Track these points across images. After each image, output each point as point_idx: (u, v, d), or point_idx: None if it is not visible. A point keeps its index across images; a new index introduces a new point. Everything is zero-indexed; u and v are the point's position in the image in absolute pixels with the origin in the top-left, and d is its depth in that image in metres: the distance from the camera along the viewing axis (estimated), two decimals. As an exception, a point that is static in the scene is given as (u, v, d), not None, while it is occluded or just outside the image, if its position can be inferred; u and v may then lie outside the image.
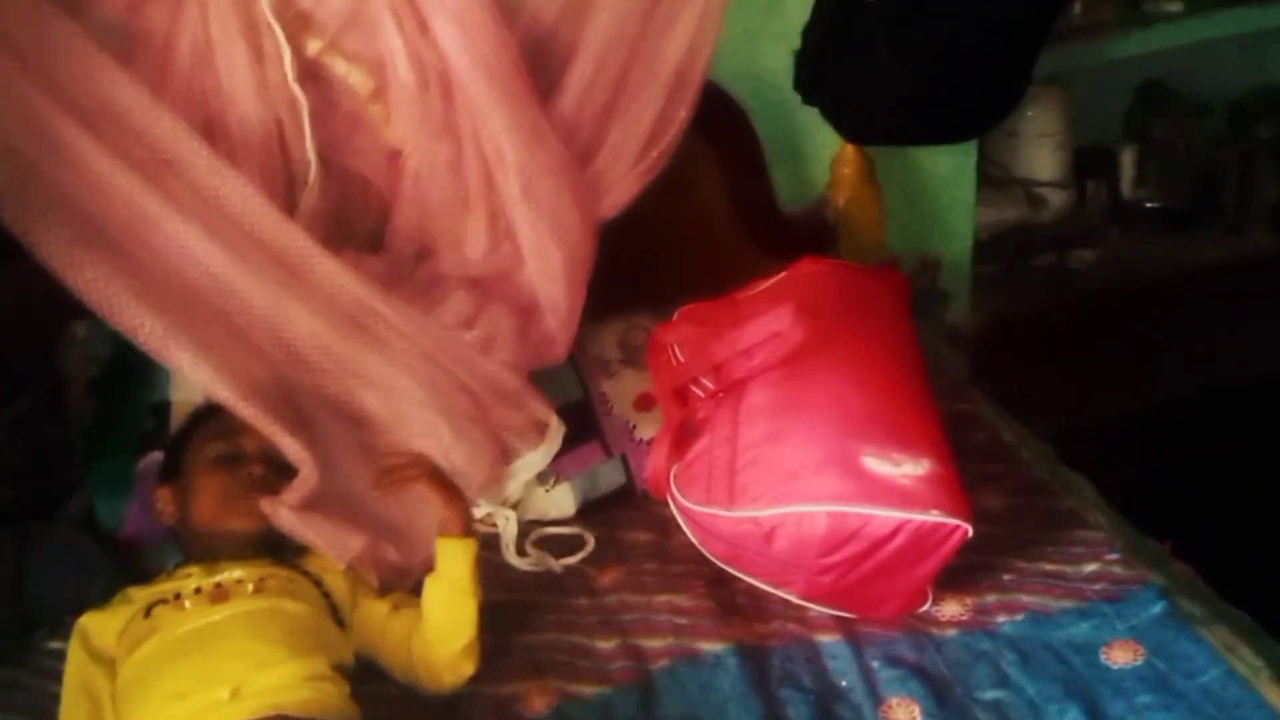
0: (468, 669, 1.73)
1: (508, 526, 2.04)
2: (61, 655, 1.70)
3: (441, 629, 1.73)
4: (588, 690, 1.73)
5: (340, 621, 1.74)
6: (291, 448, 1.82)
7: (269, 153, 2.02)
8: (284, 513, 1.76)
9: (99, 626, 1.70)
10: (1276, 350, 3.07)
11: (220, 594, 1.69)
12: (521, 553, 2.02)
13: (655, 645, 1.80)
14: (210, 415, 1.89)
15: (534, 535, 2.05)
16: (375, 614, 1.78)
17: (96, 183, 1.79)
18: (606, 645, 1.81)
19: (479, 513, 2.04)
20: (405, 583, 1.87)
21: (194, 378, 1.83)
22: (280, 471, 1.81)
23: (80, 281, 1.74)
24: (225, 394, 1.80)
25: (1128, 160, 3.27)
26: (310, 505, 1.80)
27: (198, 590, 1.70)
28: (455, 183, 2.10)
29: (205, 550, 1.77)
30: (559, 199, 2.07)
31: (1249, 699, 1.59)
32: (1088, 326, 2.93)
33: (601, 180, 2.16)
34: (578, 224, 2.11)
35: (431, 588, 1.76)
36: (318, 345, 1.97)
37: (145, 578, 1.79)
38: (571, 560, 2.00)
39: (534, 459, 2.09)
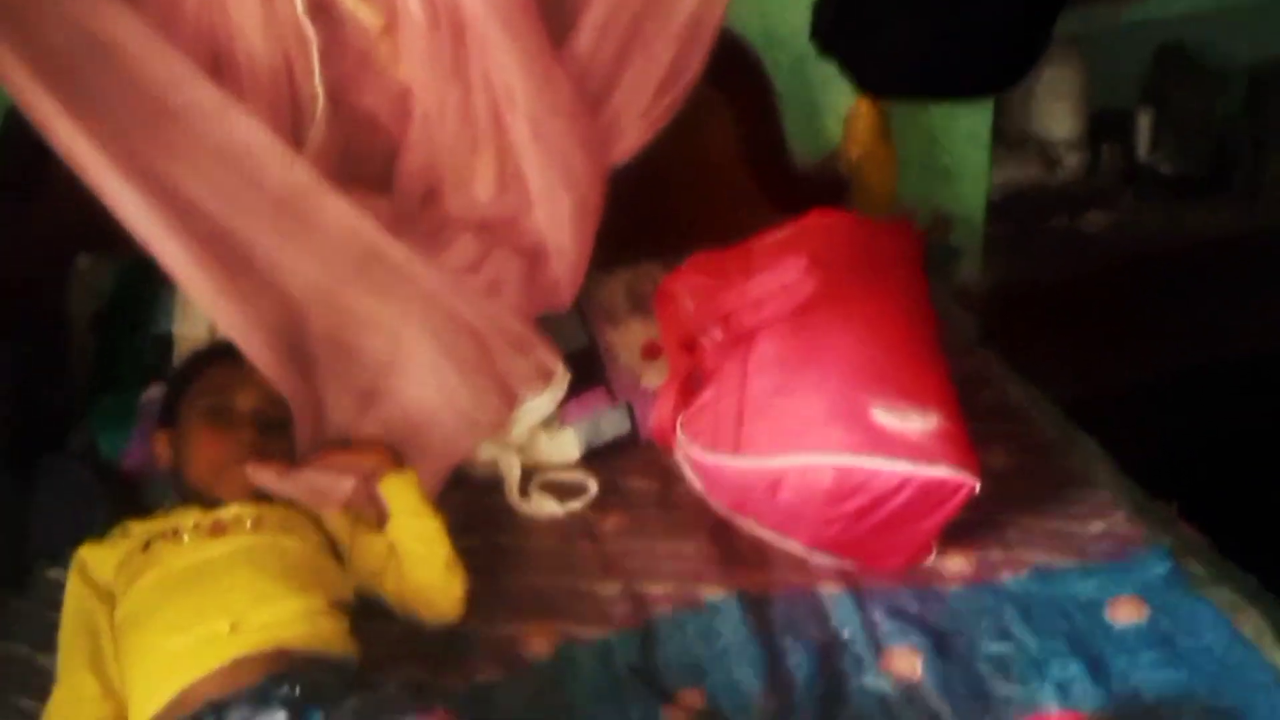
0: (457, 587, 1.74)
1: (511, 470, 2.03)
2: (61, 585, 1.71)
3: (416, 555, 1.75)
4: (588, 634, 1.72)
5: (339, 558, 1.74)
6: (291, 390, 1.82)
7: (277, 89, 2.00)
8: (268, 477, 1.76)
9: (97, 558, 1.70)
10: (1287, 322, 3.05)
11: (218, 529, 1.69)
12: (525, 497, 2.01)
13: (657, 591, 1.80)
14: (209, 362, 1.88)
15: (537, 480, 2.04)
16: (374, 549, 1.78)
17: (106, 119, 1.78)
18: (608, 590, 1.81)
19: (483, 456, 2.03)
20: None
21: (206, 310, 1.84)
22: (271, 433, 1.81)
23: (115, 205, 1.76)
24: (233, 327, 1.81)
25: (1144, 124, 3.23)
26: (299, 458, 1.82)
27: (196, 526, 1.70)
28: (464, 124, 2.07)
29: (199, 501, 1.77)
30: (569, 143, 2.05)
31: (1253, 660, 1.58)
32: (1099, 291, 2.90)
33: (613, 126, 2.13)
34: (587, 169, 2.08)
35: (393, 527, 1.79)
36: (321, 289, 1.97)
37: (145, 511, 1.79)
38: (575, 505, 1.99)
39: (539, 404, 2.08)
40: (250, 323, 1.84)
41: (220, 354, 1.89)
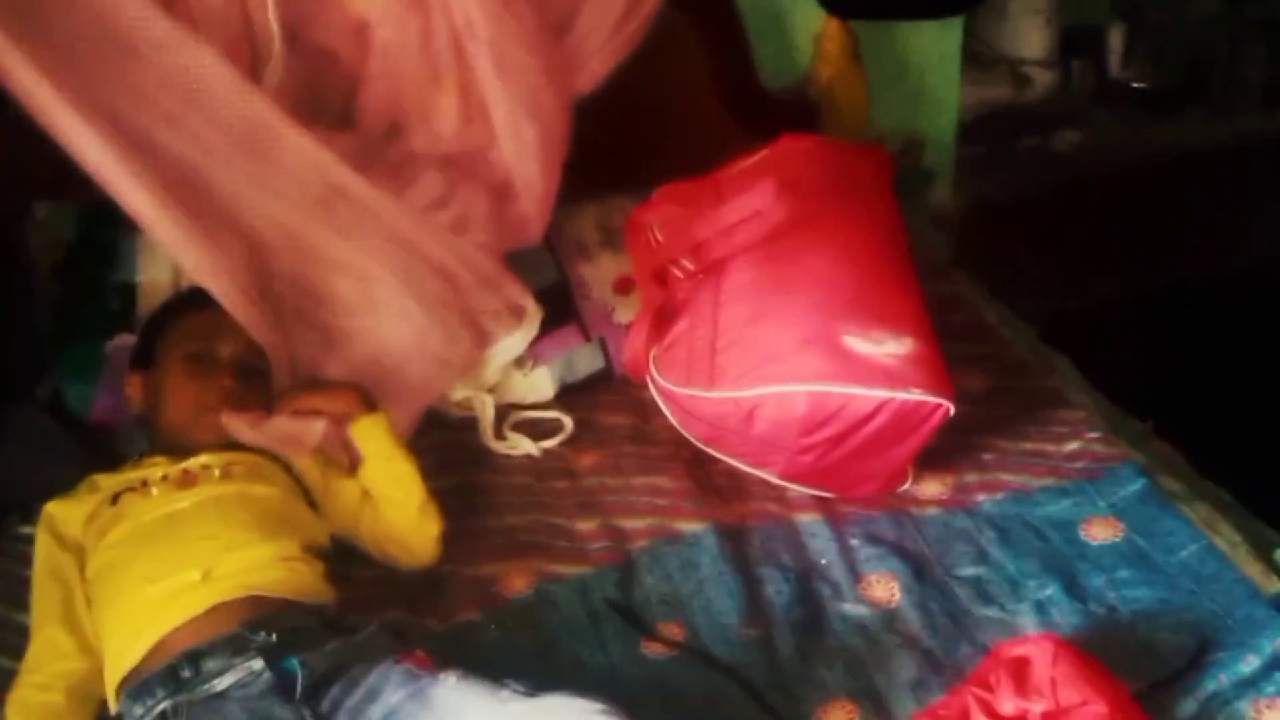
0: (432, 528, 1.73)
1: (485, 410, 2.02)
2: (32, 540, 1.69)
3: (391, 499, 1.74)
4: (568, 570, 1.72)
5: (312, 504, 1.72)
6: (262, 333, 1.80)
7: (230, 24, 1.94)
8: (240, 427, 1.73)
9: (65, 513, 1.68)
10: (1265, 235, 3.04)
11: (187, 480, 1.67)
12: (500, 436, 2.00)
13: (635, 526, 1.80)
14: (190, 306, 1.85)
15: (512, 419, 2.03)
16: (348, 495, 1.76)
17: (62, 56, 1.73)
18: (586, 526, 1.81)
19: (456, 396, 2.02)
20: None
21: (172, 253, 1.81)
22: (250, 380, 1.79)
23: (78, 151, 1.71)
24: (199, 268, 1.78)
25: (1116, 39, 3.19)
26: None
27: (164, 477, 1.67)
28: (425, 56, 2.03)
29: (170, 446, 1.75)
30: (532, 73, 2.01)
31: (1227, 572, 1.59)
32: (1072, 210, 2.89)
33: (576, 54, 2.09)
34: (552, 100, 2.04)
35: (365, 471, 1.77)
36: (284, 229, 1.93)
37: (114, 462, 1.77)
38: (550, 444, 1.98)
39: (511, 343, 2.06)
40: (217, 264, 1.80)
41: (201, 298, 1.85)
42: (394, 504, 1.74)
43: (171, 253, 1.88)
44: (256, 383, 1.80)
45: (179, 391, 1.76)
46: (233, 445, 1.74)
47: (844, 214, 1.96)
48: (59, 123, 1.69)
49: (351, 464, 1.81)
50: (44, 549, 1.66)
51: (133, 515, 1.63)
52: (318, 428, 1.77)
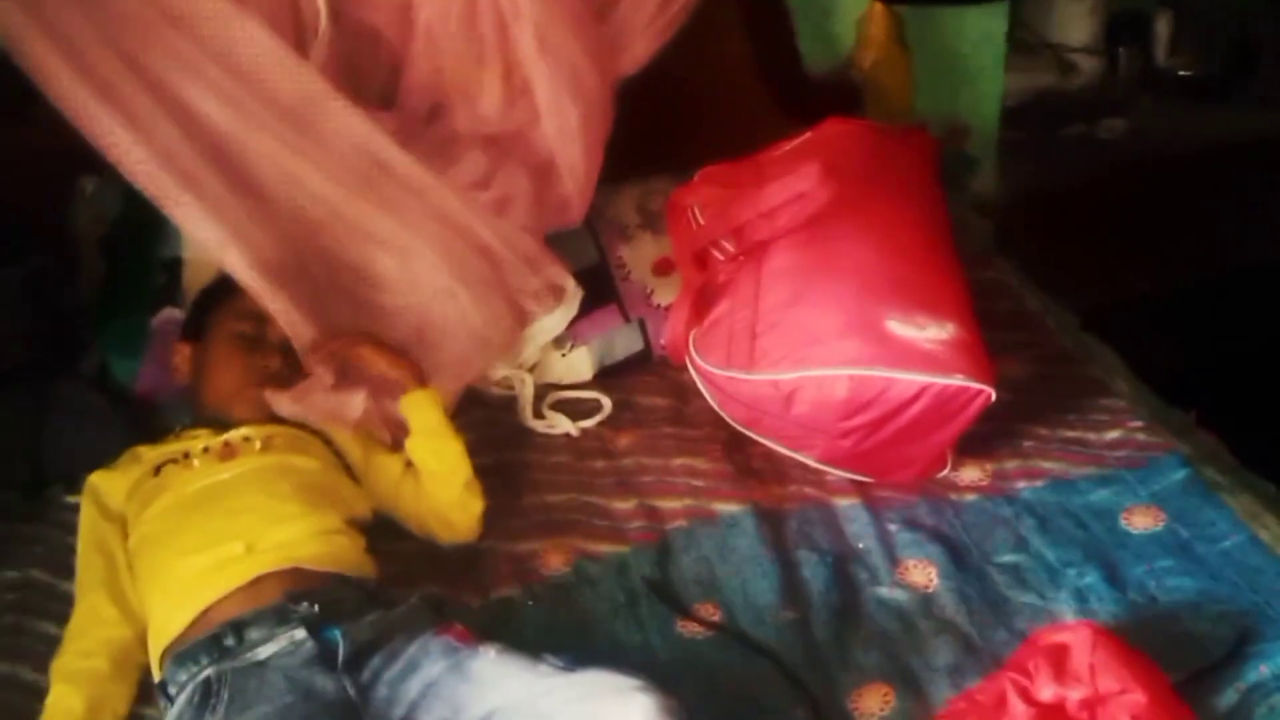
0: (475, 506, 1.74)
1: (524, 389, 2.02)
2: (77, 510, 1.71)
3: (436, 474, 1.75)
4: (605, 549, 1.73)
5: (353, 478, 1.74)
6: (293, 324, 1.80)
7: (278, 3, 1.95)
8: (282, 401, 1.75)
9: (108, 485, 1.71)
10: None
11: (229, 452, 1.69)
12: (538, 415, 2.01)
13: (672, 506, 1.80)
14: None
15: (551, 398, 2.04)
16: (389, 470, 1.78)
17: (108, 39, 1.75)
18: (623, 506, 1.81)
19: (496, 375, 2.03)
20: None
21: (203, 240, 1.82)
22: (296, 365, 1.80)
23: (98, 136, 1.72)
24: (233, 259, 1.79)
25: (1162, 27, 3.16)
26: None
27: (205, 449, 1.69)
28: (469, 36, 2.04)
29: (211, 419, 1.77)
30: (576, 54, 2.01)
31: (1271, 565, 1.57)
32: (1116, 199, 2.86)
33: (620, 35, 2.10)
34: (595, 80, 2.05)
35: (412, 445, 1.78)
36: (327, 205, 1.94)
37: (157, 435, 1.79)
38: (588, 423, 1.99)
39: (551, 323, 2.07)
40: (255, 257, 1.81)
41: None
42: (439, 479, 1.75)
43: (193, 231, 1.87)
44: (300, 364, 1.81)
45: (224, 367, 1.78)
46: (273, 418, 1.76)
47: (888, 198, 1.95)
48: (85, 108, 1.70)
49: (393, 441, 1.82)
50: (88, 519, 1.68)
51: (175, 487, 1.65)
52: (358, 402, 1.78)
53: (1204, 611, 1.53)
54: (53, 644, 1.55)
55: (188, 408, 1.84)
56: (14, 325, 1.95)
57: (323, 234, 1.96)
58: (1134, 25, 3.14)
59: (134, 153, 1.75)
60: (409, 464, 1.78)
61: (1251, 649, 1.45)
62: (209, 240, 1.82)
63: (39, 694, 1.48)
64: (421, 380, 1.80)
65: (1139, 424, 1.86)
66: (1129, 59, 3.12)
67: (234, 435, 1.71)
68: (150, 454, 1.73)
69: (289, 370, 1.79)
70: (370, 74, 2.10)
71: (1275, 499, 1.73)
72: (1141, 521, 1.68)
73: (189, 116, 1.81)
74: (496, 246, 2.02)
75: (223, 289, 1.87)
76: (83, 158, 2.06)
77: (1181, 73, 3.18)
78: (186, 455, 1.69)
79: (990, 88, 2.74)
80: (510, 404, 2.02)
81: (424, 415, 1.77)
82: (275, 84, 1.85)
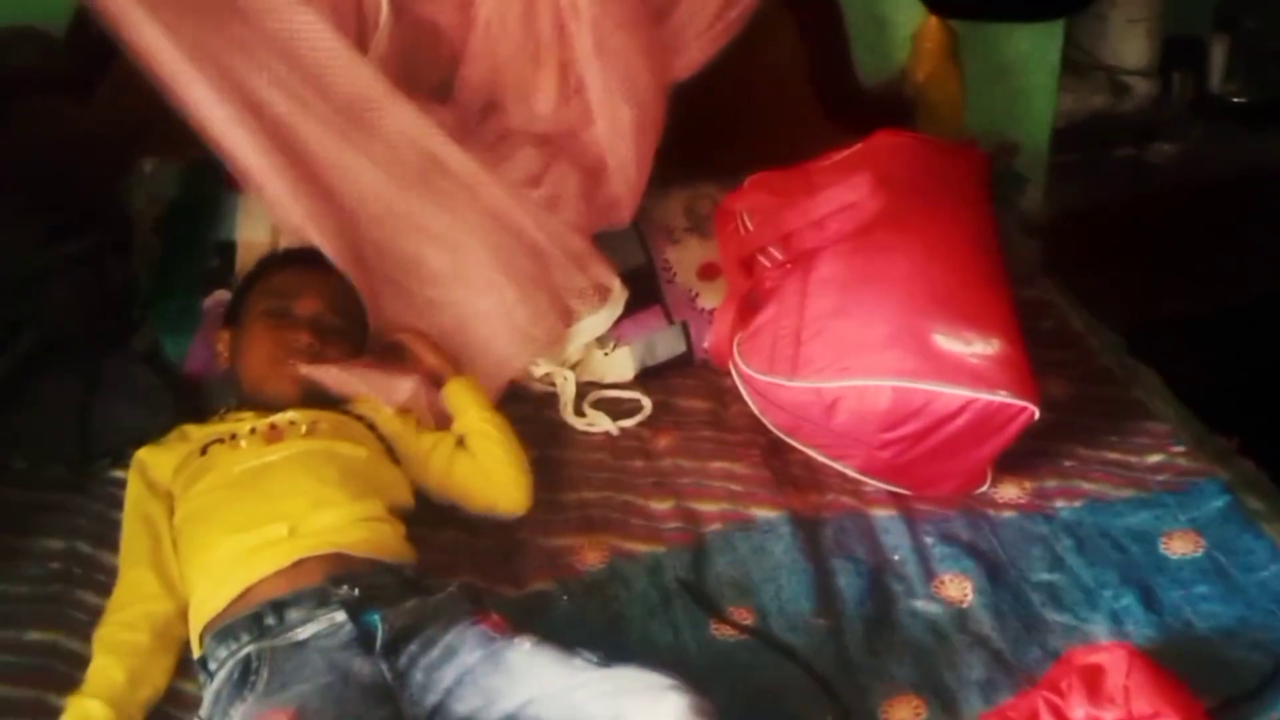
0: (528, 477, 1.80)
1: (566, 387, 2.04)
2: (122, 483, 1.74)
3: (492, 440, 1.81)
4: (640, 548, 1.73)
5: (395, 463, 1.75)
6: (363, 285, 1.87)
7: (341, -7, 1.98)
8: (330, 371, 1.77)
9: (155, 460, 1.73)
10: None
11: (275, 435, 1.71)
12: (579, 413, 2.02)
13: (709, 509, 1.80)
14: (277, 266, 1.89)
15: (592, 397, 2.05)
16: (441, 446, 1.80)
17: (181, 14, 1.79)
18: (660, 506, 1.82)
19: (538, 372, 2.04)
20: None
21: (281, 213, 1.89)
22: (327, 338, 1.81)
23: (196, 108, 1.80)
24: (315, 236, 1.86)
25: (1217, 52, 3.14)
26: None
27: (252, 431, 1.71)
28: (526, 34, 2.06)
29: (255, 402, 1.79)
30: (632, 56, 2.03)
31: (1310, 596, 1.57)
32: (1164, 222, 2.84)
33: (676, 39, 2.11)
34: (649, 83, 2.06)
35: (466, 420, 1.84)
36: (380, 198, 1.97)
37: (205, 414, 1.81)
38: (628, 423, 2.00)
39: (595, 322, 2.08)
40: (321, 216, 1.87)
41: (291, 259, 1.90)
42: (496, 444, 1.80)
43: (276, 210, 1.92)
44: (334, 341, 1.82)
45: (255, 345, 1.80)
46: (318, 402, 1.77)
47: (937, 211, 1.95)
48: (179, 79, 1.74)
49: (439, 426, 1.84)
50: (134, 493, 1.71)
51: (221, 466, 1.67)
52: (407, 385, 1.81)
53: (1239, 640, 1.52)
54: (95, 614, 1.58)
55: (234, 390, 1.86)
56: (69, 299, 1.97)
57: (376, 226, 1.98)
58: (1189, 50, 3.12)
59: (230, 131, 1.80)
60: (459, 441, 1.82)
61: (1286, 679, 1.45)
62: (290, 219, 1.89)
63: (80, 663, 1.50)
64: (458, 371, 1.88)
65: (1180, 449, 1.85)
66: (1182, 83, 3.10)
67: (280, 418, 1.73)
68: (197, 433, 1.76)
69: (321, 344, 1.80)
70: (428, 68, 2.12)
71: (1315, 530, 1.72)
72: (1180, 547, 1.67)
73: (253, 104, 1.84)
74: (545, 244, 2.04)
75: (257, 272, 1.90)
76: (142, 139, 2.11)
77: (1235, 99, 3.15)
78: (234, 436, 1.71)
79: (1042, 107, 2.73)
80: (552, 401, 2.03)
81: (470, 397, 1.85)
82: (334, 78, 1.88)
